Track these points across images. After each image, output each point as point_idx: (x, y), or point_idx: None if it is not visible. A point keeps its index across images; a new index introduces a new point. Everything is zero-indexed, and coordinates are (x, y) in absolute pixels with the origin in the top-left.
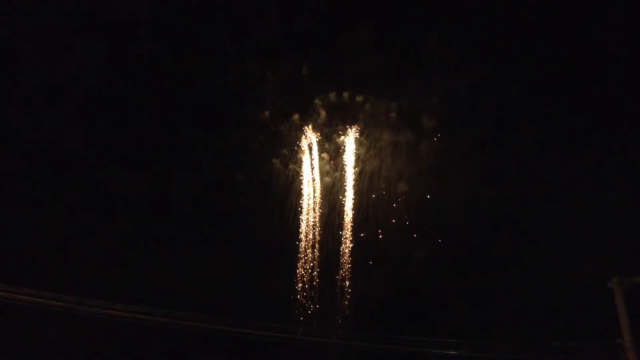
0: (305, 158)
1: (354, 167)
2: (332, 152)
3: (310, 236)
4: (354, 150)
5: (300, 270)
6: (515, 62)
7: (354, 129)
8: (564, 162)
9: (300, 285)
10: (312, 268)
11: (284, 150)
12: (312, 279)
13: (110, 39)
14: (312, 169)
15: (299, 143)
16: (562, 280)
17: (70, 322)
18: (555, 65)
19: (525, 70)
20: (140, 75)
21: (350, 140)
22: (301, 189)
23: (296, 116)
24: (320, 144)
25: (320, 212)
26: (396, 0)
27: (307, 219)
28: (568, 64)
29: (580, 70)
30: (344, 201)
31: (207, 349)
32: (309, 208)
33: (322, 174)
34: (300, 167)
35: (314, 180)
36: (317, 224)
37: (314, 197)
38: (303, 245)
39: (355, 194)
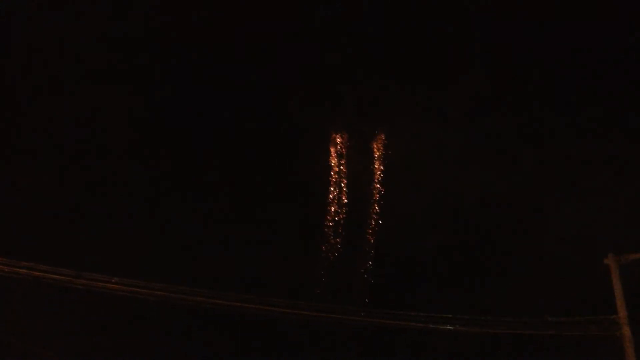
0: (334, 148)
1: (381, 158)
2: (360, 143)
3: (336, 221)
4: (382, 141)
5: (319, 252)
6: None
7: (382, 120)
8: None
9: (315, 263)
10: (333, 252)
11: (313, 140)
12: (327, 259)
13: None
14: (340, 159)
15: (328, 133)
16: (558, 256)
17: (68, 295)
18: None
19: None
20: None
21: (378, 130)
22: (329, 179)
23: (325, 107)
24: (349, 134)
25: (346, 199)
26: None
27: (334, 206)
28: (587, 58)
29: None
30: (370, 190)
31: (211, 325)
32: (336, 195)
33: (350, 164)
34: (328, 157)
35: (341, 169)
36: (344, 211)
37: (341, 185)
38: (328, 230)
39: (380, 183)
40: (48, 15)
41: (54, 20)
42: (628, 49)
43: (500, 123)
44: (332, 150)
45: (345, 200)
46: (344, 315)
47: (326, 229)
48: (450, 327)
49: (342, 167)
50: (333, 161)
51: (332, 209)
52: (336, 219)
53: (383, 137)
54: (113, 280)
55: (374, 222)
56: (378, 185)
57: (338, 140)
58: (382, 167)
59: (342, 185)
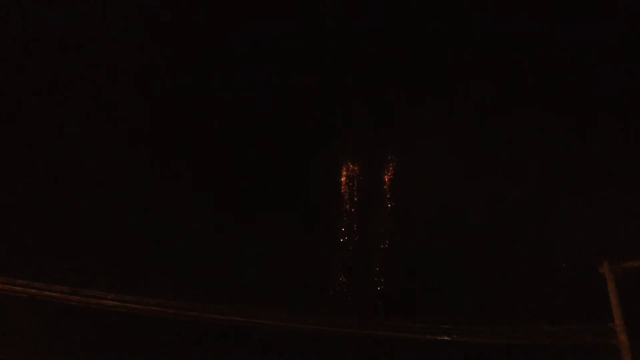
0: (345, 159)
1: (390, 169)
2: (370, 154)
3: (345, 230)
4: (391, 152)
5: (328, 263)
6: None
7: (391, 131)
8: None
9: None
10: (342, 264)
11: (323, 151)
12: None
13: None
14: (351, 169)
15: (339, 144)
16: (554, 264)
17: (64, 312)
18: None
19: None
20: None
21: (387, 141)
22: (340, 189)
23: (336, 117)
24: (359, 145)
25: (357, 209)
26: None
27: (344, 216)
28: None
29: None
30: (380, 200)
31: (209, 340)
32: (346, 205)
33: (360, 175)
34: (338, 168)
35: (352, 180)
36: (354, 218)
37: (352, 196)
38: (337, 240)
39: (389, 192)
40: (48, 14)
41: (53, 19)
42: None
43: (507, 131)
44: (343, 168)
45: (355, 210)
46: (339, 328)
47: (335, 240)
48: (447, 338)
49: (351, 173)
50: (343, 175)
51: (342, 220)
52: (346, 231)
53: (392, 149)
54: (109, 297)
55: (383, 232)
56: (387, 198)
57: (349, 162)
58: (391, 179)
59: (353, 196)
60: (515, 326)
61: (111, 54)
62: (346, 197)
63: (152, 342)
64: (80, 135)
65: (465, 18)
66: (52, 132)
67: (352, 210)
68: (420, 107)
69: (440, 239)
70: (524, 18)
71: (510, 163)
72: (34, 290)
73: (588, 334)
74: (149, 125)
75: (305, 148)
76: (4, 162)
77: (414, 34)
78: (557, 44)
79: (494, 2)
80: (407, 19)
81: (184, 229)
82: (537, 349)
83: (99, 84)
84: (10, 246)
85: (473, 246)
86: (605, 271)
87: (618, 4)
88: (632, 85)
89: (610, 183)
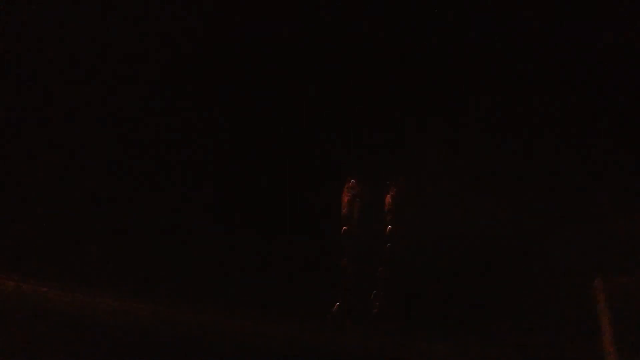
0: (348, 187)
1: (393, 198)
2: (375, 183)
3: (345, 252)
4: (393, 173)
5: (328, 282)
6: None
7: (394, 159)
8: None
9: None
10: (343, 283)
11: (326, 181)
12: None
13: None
14: (354, 198)
15: (343, 172)
16: (545, 277)
17: (58, 311)
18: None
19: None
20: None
21: (390, 168)
22: (343, 215)
23: (340, 146)
24: (363, 174)
25: (359, 234)
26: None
27: (346, 239)
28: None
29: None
30: (383, 227)
31: (205, 348)
32: (349, 229)
33: (363, 206)
34: (341, 196)
35: (355, 208)
36: (355, 244)
37: (352, 217)
38: (337, 262)
39: (391, 214)
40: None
41: (53, 19)
42: None
43: (510, 150)
44: (348, 194)
45: (358, 235)
46: (335, 346)
47: (335, 262)
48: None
49: (356, 210)
50: (348, 205)
51: (342, 242)
52: (346, 253)
53: (394, 170)
54: (102, 297)
55: (384, 256)
56: (389, 221)
57: (351, 181)
58: (393, 201)
59: (353, 217)
60: (506, 337)
61: (110, 54)
62: (347, 218)
63: (151, 341)
64: (80, 134)
65: (467, 20)
66: (51, 130)
67: (353, 232)
68: (425, 127)
69: (441, 262)
70: (525, 19)
71: (512, 182)
72: (26, 287)
73: (578, 346)
74: (148, 125)
75: (307, 167)
76: (4, 161)
77: (414, 33)
78: (560, 45)
79: (496, 2)
80: (407, 19)
81: (184, 231)
82: None
83: (97, 84)
84: (8, 243)
85: (472, 264)
86: (597, 287)
87: (618, 4)
88: (633, 87)
89: (607, 198)
